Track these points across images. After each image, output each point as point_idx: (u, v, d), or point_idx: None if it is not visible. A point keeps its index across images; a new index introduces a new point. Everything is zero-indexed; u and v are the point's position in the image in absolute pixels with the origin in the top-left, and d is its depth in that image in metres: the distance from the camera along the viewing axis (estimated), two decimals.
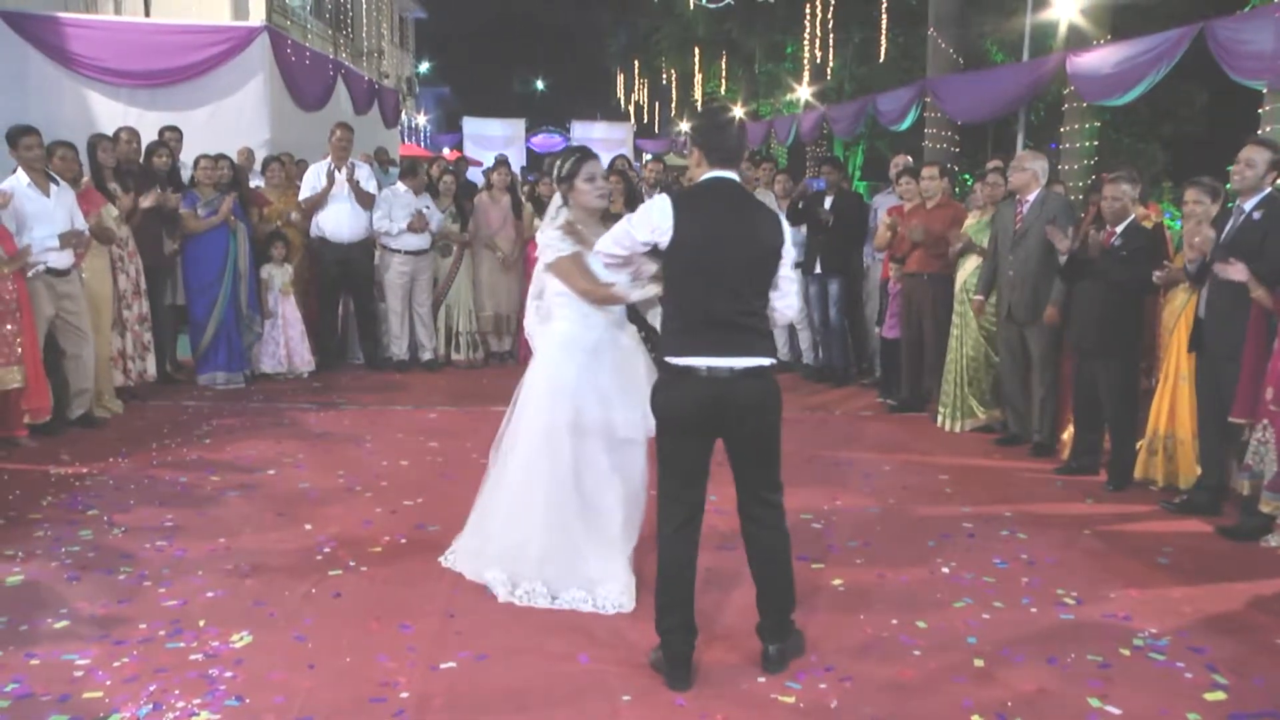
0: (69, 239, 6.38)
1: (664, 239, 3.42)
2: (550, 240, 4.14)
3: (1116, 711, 3.33)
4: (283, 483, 5.71)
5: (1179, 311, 5.72)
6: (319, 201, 8.73)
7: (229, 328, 8.14)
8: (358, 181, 8.75)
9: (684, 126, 36.96)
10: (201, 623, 3.83)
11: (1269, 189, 5.18)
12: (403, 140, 24.59)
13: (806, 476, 4.55)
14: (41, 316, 6.30)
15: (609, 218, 7.33)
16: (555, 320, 4.28)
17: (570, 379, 4.14)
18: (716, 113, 3.67)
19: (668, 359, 3.46)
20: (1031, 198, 6.48)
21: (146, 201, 7.47)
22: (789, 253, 3.53)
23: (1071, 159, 13.19)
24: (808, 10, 22.71)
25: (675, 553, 3.50)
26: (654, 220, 3.42)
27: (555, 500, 4.14)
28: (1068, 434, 6.48)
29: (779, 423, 3.53)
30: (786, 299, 3.56)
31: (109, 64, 10.54)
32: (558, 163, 4.25)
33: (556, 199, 4.31)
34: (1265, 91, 9.07)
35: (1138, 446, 5.95)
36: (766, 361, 3.45)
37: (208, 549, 4.63)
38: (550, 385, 4.18)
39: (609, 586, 4.09)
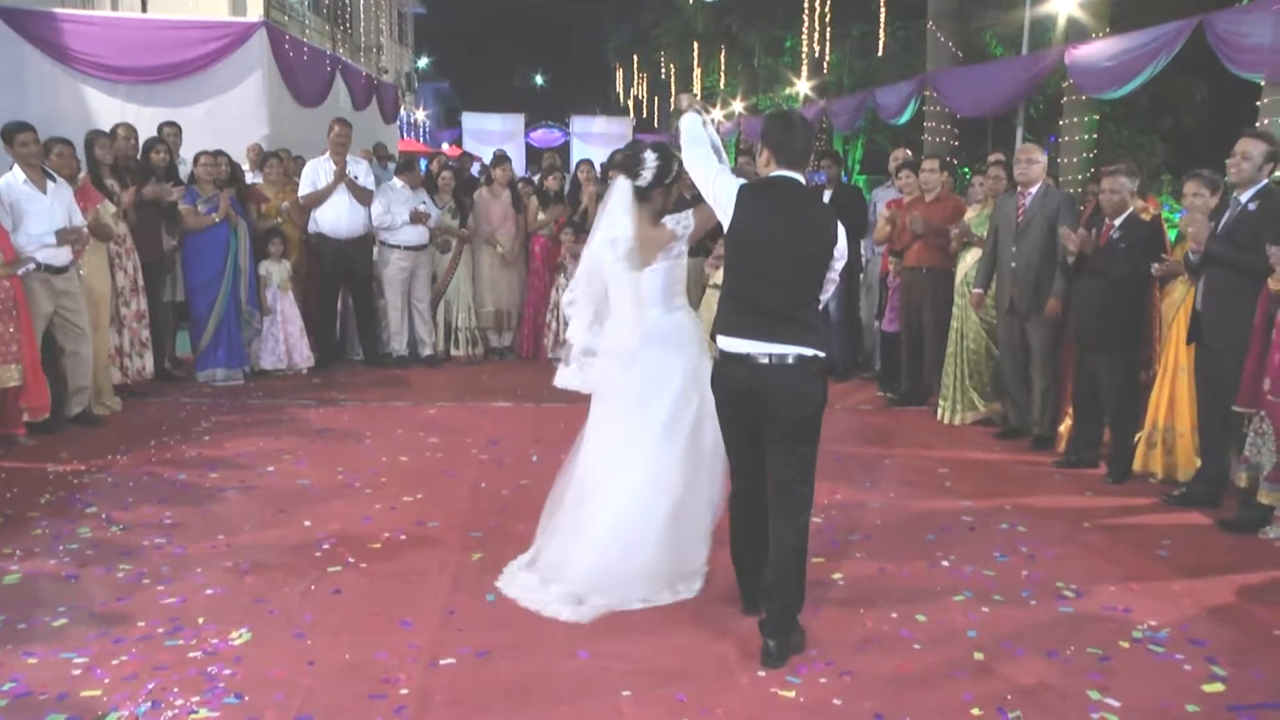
0: (67, 236, 6.36)
1: (725, 220, 3.72)
2: (682, 219, 4.12)
3: (1116, 704, 3.33)
4: (282, 479, 5.70)
5: (1178, 304, 5.71)
6: (321, 198, 8.72)
7: (229, 324, 8.14)
8: (355, 178, 8.74)
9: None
10: (201, 620, 3.83)
11: (1265, 181, 5.18)
12: (402, 136, 24.57)
13: None
14: (39, 314, 6.29)
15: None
16: (674, 314, 4.18)
17: (698, 373, 4.10)
18: (786, 116, 3.89)
19: (716, 338, 3.73)
20: (1033, 190, 6.47)
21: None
22: (842, 252, 3.71)
23: (1071, 152, 13.16)
24: (807, 4, 22.66)
25: (739, 510, 3.89)
26: (719, 194, 3.73)
27: (681, 501, 4.05)
28: (1066, 426, 6.48)
29: (816, 415, 3.66)
30: (826, 293, 3.79)
31: (106, 60, 10.54)
32: (659, 162, 4.12)
33: (624, 187, 4.14)
34: (1264, 84, 9.05)
35: (1136, 439, 5.94)
36: (809, 353, 3.60)
37: (207, 546, 4.62)
38: (684, 382, 4.10)
39: (693, 584, 4.13)
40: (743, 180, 3.78)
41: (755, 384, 3.59)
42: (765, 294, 3.61)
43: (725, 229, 3.74)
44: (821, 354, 3.64)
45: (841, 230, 3.72)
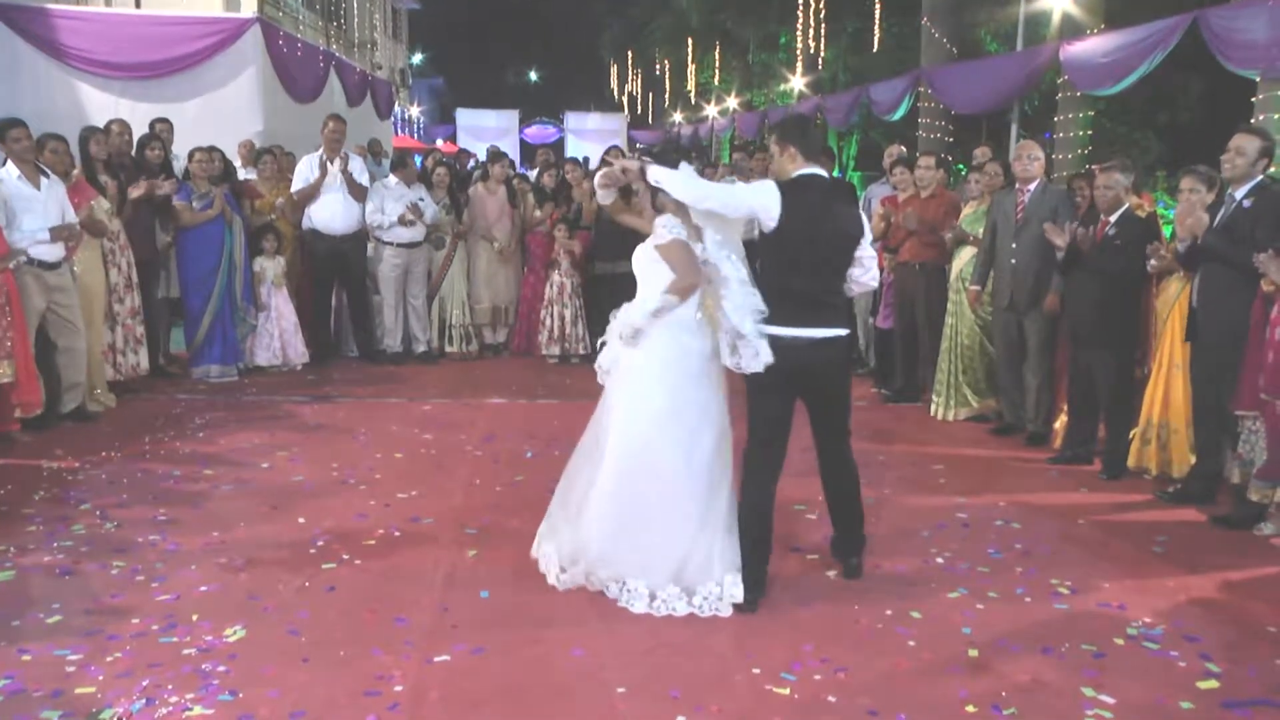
0: (60, 233, 6.34)
1: (770, 223, 3.92)
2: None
3: (1110, 701, 3.34)
4: (276, 476, 5.69)
5: (1172, 300, 5.71)
6: (312, 193, 8.69)
7: (224, 320, 8.12)
8: (351, 174, 8.72)
9: (678, 118, 36.98)
10: (195, 617, 3.82)
11: (1260, 177, 5.18)
12: (396, 132, 24.52)
13: (801, 467, 4.60)
14: (33, 310, 6.27)
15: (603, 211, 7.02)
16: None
17: None
18: (800, 117, 4.34)
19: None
20: (1032, 187, 6.46)
21: (135, 192, 7.44)
22: (867, 235, 4.13)
23: (1066, 148, 13.17)
24: (801, 0, 22.67)
25: (755, 491, 4.05)
26: (764, 202, 3.92)
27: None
28: (1061, 423, 6.48)
29: (850, 382, 4.33)
30: (870, 273, 4.15)
31: (100, 56, 10.49)
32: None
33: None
34: (1259, 80, 9.07)
35: (1131, 435, 5.94)
36: (842, 332, 4.08)
37: (201, 543, 4.61)
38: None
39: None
40: (771, 180, 4.02)
41: (802, 364, 3.97)
42: (806, 284, 3.98)
43: (767, 228, 3.92)
44: (848, 331, 4.13)
45: (864, 218, 4.14)
